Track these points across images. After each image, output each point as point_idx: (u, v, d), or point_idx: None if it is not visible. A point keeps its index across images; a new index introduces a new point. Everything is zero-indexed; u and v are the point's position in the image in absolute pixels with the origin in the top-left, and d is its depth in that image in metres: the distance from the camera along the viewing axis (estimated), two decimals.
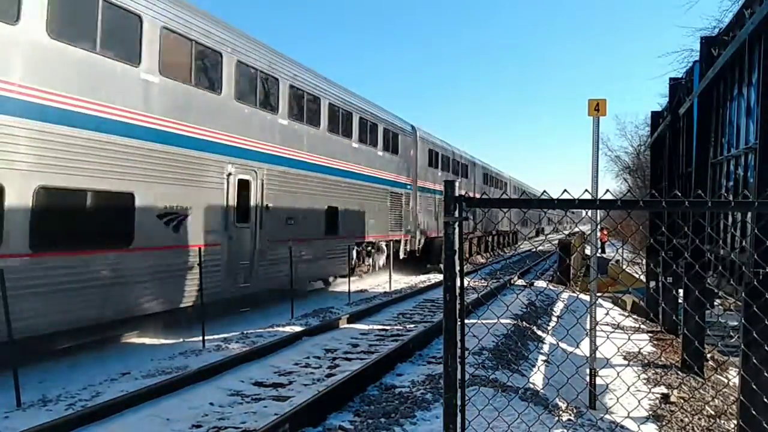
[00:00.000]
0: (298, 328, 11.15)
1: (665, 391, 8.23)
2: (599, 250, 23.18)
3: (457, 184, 2.75)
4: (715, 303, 11.46)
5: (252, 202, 12.49)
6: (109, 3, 8.91)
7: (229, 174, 11.64)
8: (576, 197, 2.69)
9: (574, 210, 2.80)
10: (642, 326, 13.88)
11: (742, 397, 5.69)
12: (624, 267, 21.72)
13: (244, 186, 12.21)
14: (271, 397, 7.02)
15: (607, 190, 3.28)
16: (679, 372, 9.36)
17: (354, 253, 17.99)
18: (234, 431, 5.92)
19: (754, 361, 4.90)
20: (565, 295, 17.89)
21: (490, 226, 33.80)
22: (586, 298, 15.09)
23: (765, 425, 5.12)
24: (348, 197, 17.53)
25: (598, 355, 7.26)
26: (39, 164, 7.86)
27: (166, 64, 10.03)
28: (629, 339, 10.59)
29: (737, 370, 7.14)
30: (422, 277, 22.85)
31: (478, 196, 3.30)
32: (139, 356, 9.22)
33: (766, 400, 4.01)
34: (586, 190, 2.79)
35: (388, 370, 8.04)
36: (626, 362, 9.59)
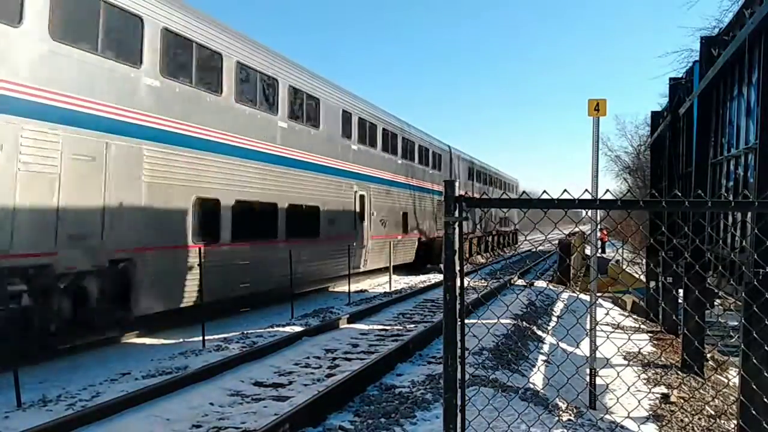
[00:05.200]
0: (298, 329, 11.15)
1: (665, 391, 8.23)
2: (599, 250, 23.19)
3: (456, 184, 2.75)
4: (715, 303, 11.47)
5: None
6: None
7: None
8: (576, 197, 2.69)
9: (573, 209, 2.79)
10: (642, 326, 13.89)
11: (742, 397, 5.69)
12: (624, 267, 21.71)
13: None
14: (271, 397, 7.02)
15: (607, 190, 3.27)
16: (679, 372, 9.36)
17: None
18: (234, 431, 5.92)
19: (754, 361, 4.90)
20: (565, 295, 17.89)
21: (490, 226, 33.82)
22: (586, 298, 15.09)
23: (765, 425, 5.13)
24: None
25: (598, 355, 7.26)
26: None
27: None
28: (629, 339, 10.59)
29: (737, 370, 7.14)
30: (422, 277, 22.86)
31: None
32: (139, 356, 9.22)
33: (766, 400, 4.01)
34: (586, 190, 2.79)
35: (388, 370, 8.04)
36: (626, 362, 9.59)
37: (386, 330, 11.49)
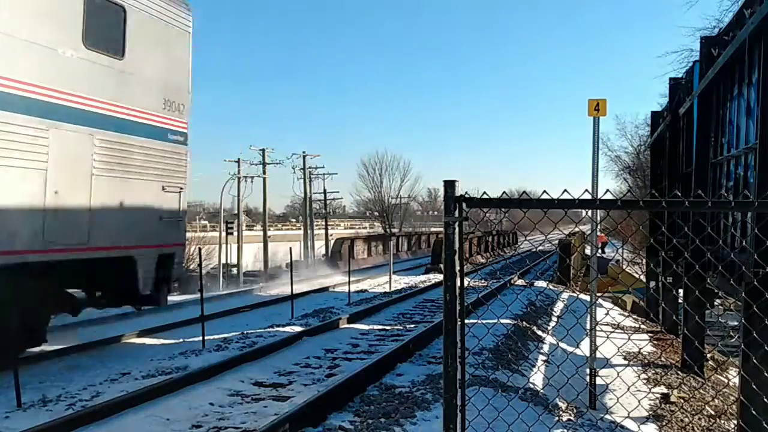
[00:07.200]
0: (298, 329, 11.15)
1: (665, 391, 8.23)
2: (599, 251, 23.19)
3: (457, 184, 2.74)
4: (715, 303, 11.47)
5: None
6: None
7: None
8: (576, 197, 2.69)
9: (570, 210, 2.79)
10: (642, 326, 13.89)
11: (742, 397, 5.69)
12: (624, 267, 21.72)
13: None
14: (271, 397, 7.02)
15: (607, 190, 3.27)
16: (679, 372, 9.36)
17: None
18: (234, 431, 5.92)
19: (754, 361, 4.90)
20: (565, 295, 17.89)
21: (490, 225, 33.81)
22: (586, 298, 15.09)
23: (765, 425, 5.12)
24: None
25: (598, 355, 7.26)
26: None
27: None
28: (629, 339, 10.59)
29: (737, 370, 7.14)
30: (422, 277, 22.88)
31: None
32: (139, 356, 9.21)
33: (766, 400, 4.00)
34: (586, 190, 2.78)
35: (389, 370, 8.04)
36: (626, 362, 9.59)
37: (386, 330, 11.49)
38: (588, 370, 7.24)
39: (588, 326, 7.93)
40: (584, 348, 7.37)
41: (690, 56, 18.85)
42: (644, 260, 18.89)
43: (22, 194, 7.26)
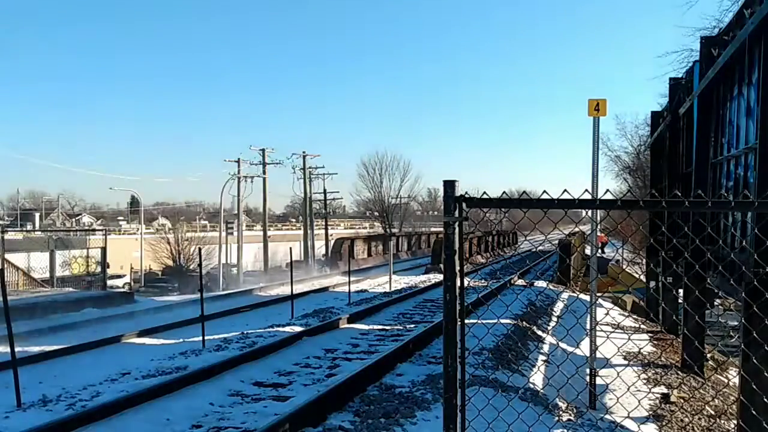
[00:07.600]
0: (298, 329, 11.15)
1: (665, 391, 8.23)
2: (599, 250, 23.20)
3: (457, 184, 2.74)
4: (715, 303, 11.47)
5: None
6: None
7: None
8: (576, 197, 2.68)
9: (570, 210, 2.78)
10: (642, 326, 13.89)
11: (742, 397, 5.68)
12: (624, 267, 21.72)
13: None
14: (271, 397, 7.02)
15: (607, 190, 3.27)
16: (679, 372, 9.36)
17: None
18: (234, 431, 5.92)
19: (754, 361, 4.90)
20: (565, 295, 17.89)
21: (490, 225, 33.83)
22: (586, 298, 15.09)
23: (765, 425, 5.12)
24: None
25: (598, 355, 7.26)
26: None
27: None
28: (629, 339, 10.59)
29: (737, 370, 7.14)
30: (422, 278, 22.88)
31: None
32: (139, 356, 9.22)
33: (766, 400, 4.00)
34: (586, 190, 2.78)
35: (389, 370, 8.04)
36: (626, 362, 9.59)
37: (386, 330, 11.49)
38: (588, 370, 7.24)
39: (588, 326, 7.93)
40: (584, 348, 7.38)
41: (690, 56, 18.81)
42: (644, 260, 18.89)
43: None
